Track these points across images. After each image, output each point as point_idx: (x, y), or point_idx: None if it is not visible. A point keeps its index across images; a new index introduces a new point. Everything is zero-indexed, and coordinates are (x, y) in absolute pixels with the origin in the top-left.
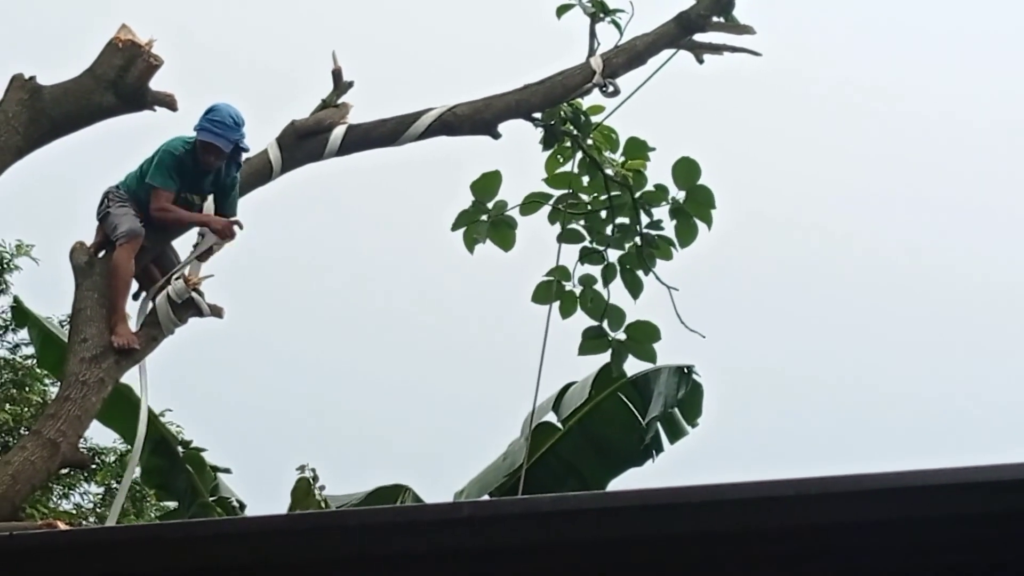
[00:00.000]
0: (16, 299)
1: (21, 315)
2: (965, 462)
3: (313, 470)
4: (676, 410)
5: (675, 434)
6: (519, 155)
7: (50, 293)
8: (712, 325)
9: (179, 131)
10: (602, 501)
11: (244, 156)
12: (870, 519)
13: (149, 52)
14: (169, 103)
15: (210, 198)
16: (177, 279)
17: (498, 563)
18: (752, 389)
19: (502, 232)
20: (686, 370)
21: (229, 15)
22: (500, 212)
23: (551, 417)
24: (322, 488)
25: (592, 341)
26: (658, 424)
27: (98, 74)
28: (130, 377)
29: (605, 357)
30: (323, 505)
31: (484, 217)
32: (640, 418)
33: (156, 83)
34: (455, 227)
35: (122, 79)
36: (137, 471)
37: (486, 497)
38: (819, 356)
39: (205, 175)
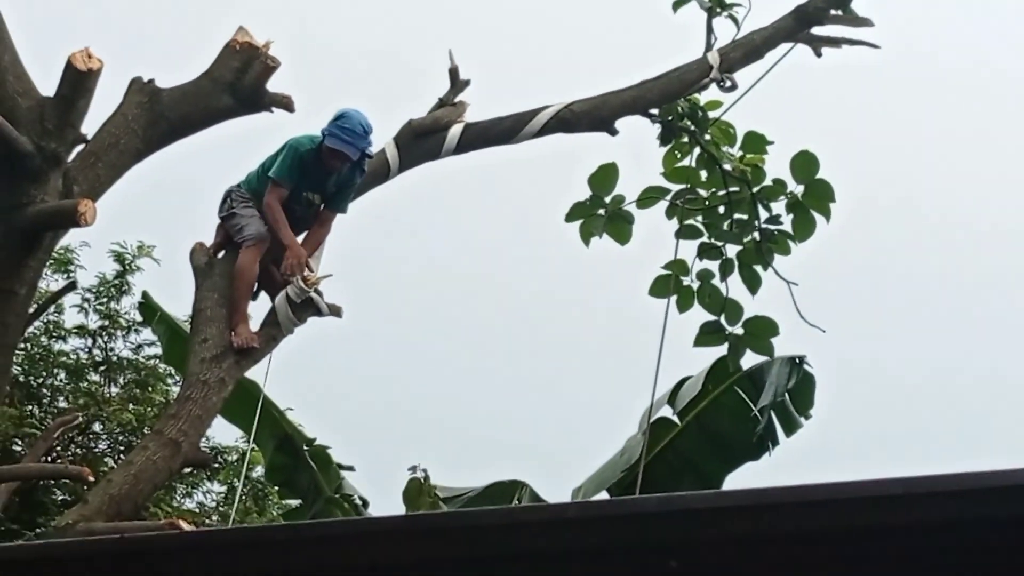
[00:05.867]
0: (145, 294)
1: (149, 310)
2: None
3: (424, 470)
4: (788, 400)
5: (790, 427)
6: (636, 151)
7: (171, 294)
8: (833, 319)
9: (297, 131)
10: (709, 501)
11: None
12: (972, 517)
13: (266, 54)
14: (286, 104)
15: None
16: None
17: (604, 565)
18: (871, 384)
19: (619, 226)
20: (797, 360)
21: (348, 7)
22: (617, 206)
23: (667, 411)
24: (433, 488)
25: (709, 335)
26: (771, 415)
27: (215, 76)
28: (254, 373)
29: (719, 350)
30: (435, 505)
31: (601, 211)
32: (755, 410)
33: (274, 84)
34: (569, 219)
35: (239, 81)
36: (260, 469)
37: (604, 494)
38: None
39: (328, 176)
